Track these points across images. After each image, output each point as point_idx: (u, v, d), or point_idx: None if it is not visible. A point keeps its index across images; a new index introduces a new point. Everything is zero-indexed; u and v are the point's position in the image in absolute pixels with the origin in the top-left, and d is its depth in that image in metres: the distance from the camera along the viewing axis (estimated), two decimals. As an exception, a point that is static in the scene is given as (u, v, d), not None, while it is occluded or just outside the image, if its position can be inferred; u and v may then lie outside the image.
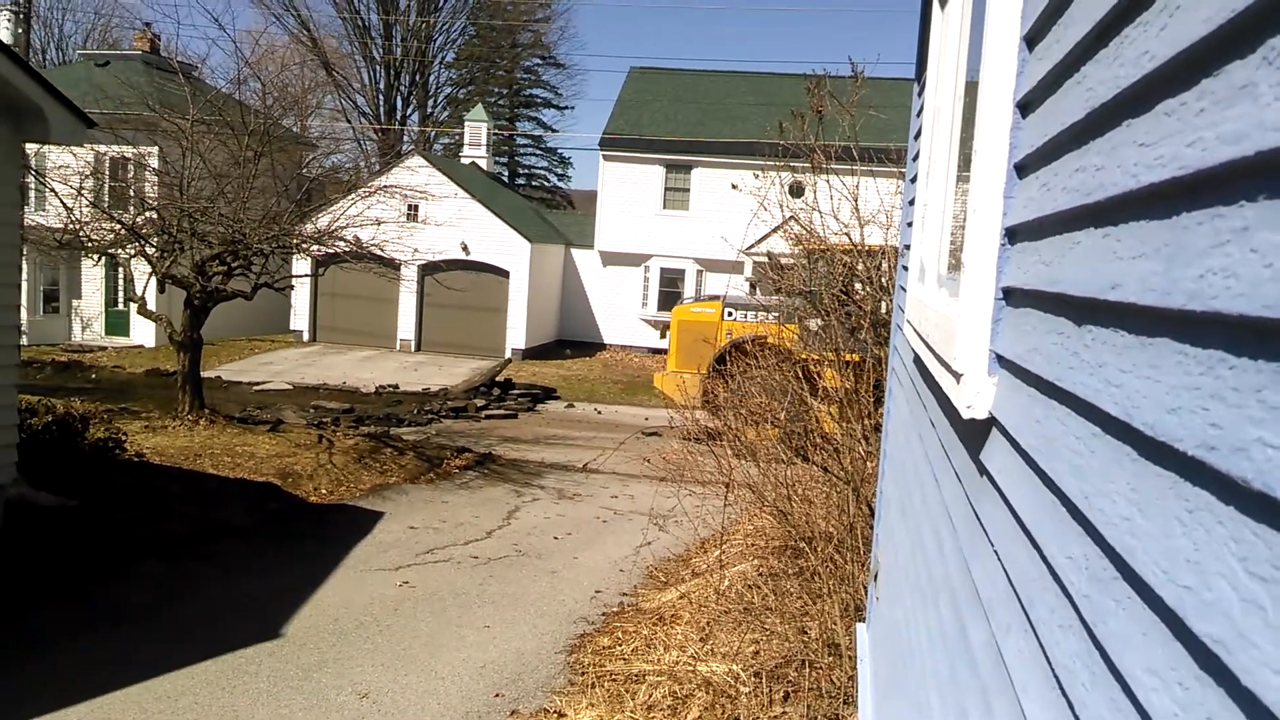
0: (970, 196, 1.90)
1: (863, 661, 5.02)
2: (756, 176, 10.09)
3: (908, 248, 4.01)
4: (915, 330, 3.06)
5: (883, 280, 8.76)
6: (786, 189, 10.03)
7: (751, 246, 20.59)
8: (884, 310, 8.41)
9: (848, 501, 7.37)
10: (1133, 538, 0.95)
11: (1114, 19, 1.13)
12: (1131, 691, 0.92)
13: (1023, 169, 1.68)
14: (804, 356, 8.59)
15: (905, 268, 4.11)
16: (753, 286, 17.60)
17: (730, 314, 19.08)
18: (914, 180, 3.91)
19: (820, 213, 8.59)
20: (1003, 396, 1.73)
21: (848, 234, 8.61)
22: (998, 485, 1.69)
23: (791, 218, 9.63)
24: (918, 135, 3.88)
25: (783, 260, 10.92)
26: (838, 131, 8.58)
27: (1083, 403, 1.16)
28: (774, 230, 10.35)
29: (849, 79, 8.93)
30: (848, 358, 8.53)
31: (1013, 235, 1.72)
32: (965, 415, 1.85)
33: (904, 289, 4.12)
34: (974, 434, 1.96)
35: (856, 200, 8.47)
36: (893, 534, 4.08)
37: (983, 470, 1.85)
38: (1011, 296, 1.72)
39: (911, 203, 3.96)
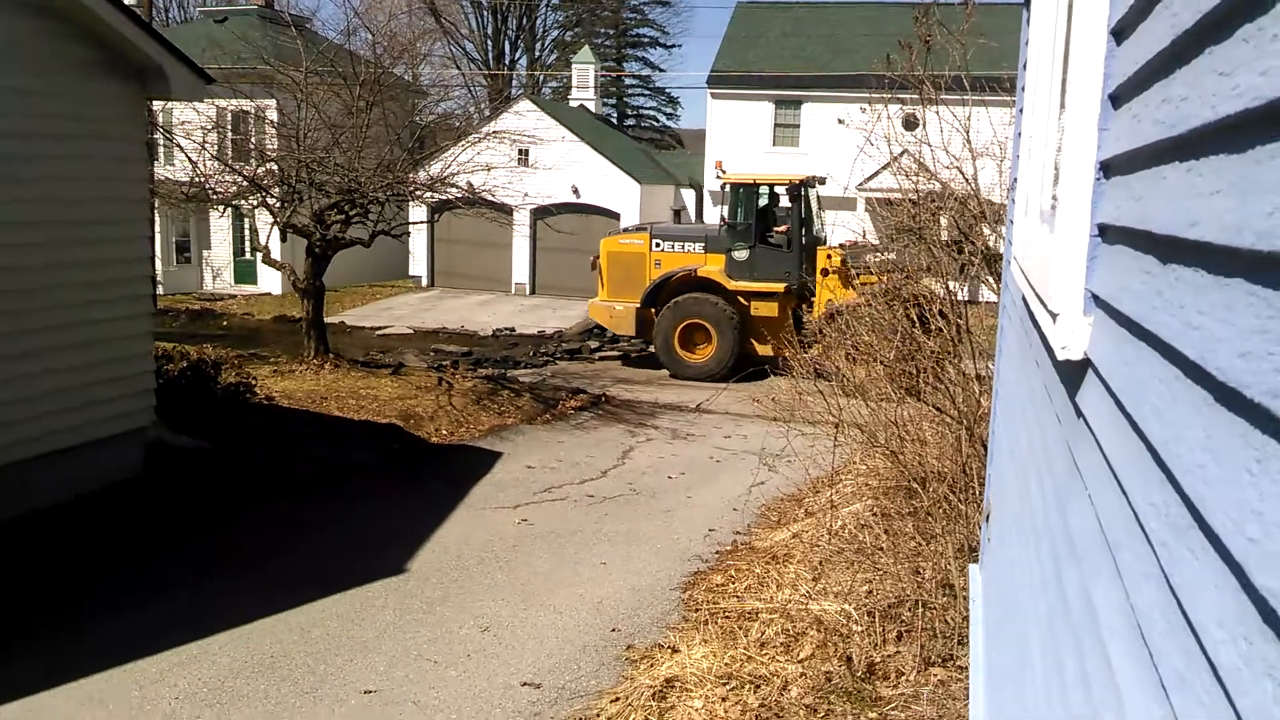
0: (1066, 128, 1.83)
1: (975, 602, 4.96)
2: (864, 110, 9.84)
3: (1017, 181, 3.88)
4: (1020, 267, 2.97)
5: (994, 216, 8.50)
6: (900, 123, 9.77)
7: (863, 183, 20.34)
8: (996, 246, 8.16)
9: (961, 441, 7.24)
10: (1205, 486, 0.92)
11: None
12: (1202, 643, 0.90)
13: (1117, 99, 1.61)
14: (914, 294, 8.40)
15: (1014, 201, 3.98)
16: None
17: (658, 245, 19.19)
18: (1022, 111, 3.77)
19: (930, 146, 8.34)
20: (1097, 337, 1.67)
21: (959, 168, 8.35)
22: (1091, 428, 1.65)
23: (903, 152, 9.40)
24: (1025, 66, 3.73)
25: (891, 197, 10.68)
26: (948, 61, 8.29)
27: (1165, 345, 1.12)
28: (885, 166, 10.11)
29: (959, 5, 8.60)
30: (957, 294, 8.31)
31: (1107, 169, 1.65)
32: (1060, 356, 1.80)
33: (1013, 222, 4.00)
34: (1071, 375, 1.91)
35: (968, 132, 8.19)
36: (1003, 475, 4.01)
37: (1079, 413, 1.80)
38: (1106, 233, 1.66)
39: (1020, 135, 3.82)
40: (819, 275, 17.74)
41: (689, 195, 34.38)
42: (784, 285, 18.25)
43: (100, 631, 6.94)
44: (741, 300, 18.61)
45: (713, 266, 18.75)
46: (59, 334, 8.84)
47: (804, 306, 18.09)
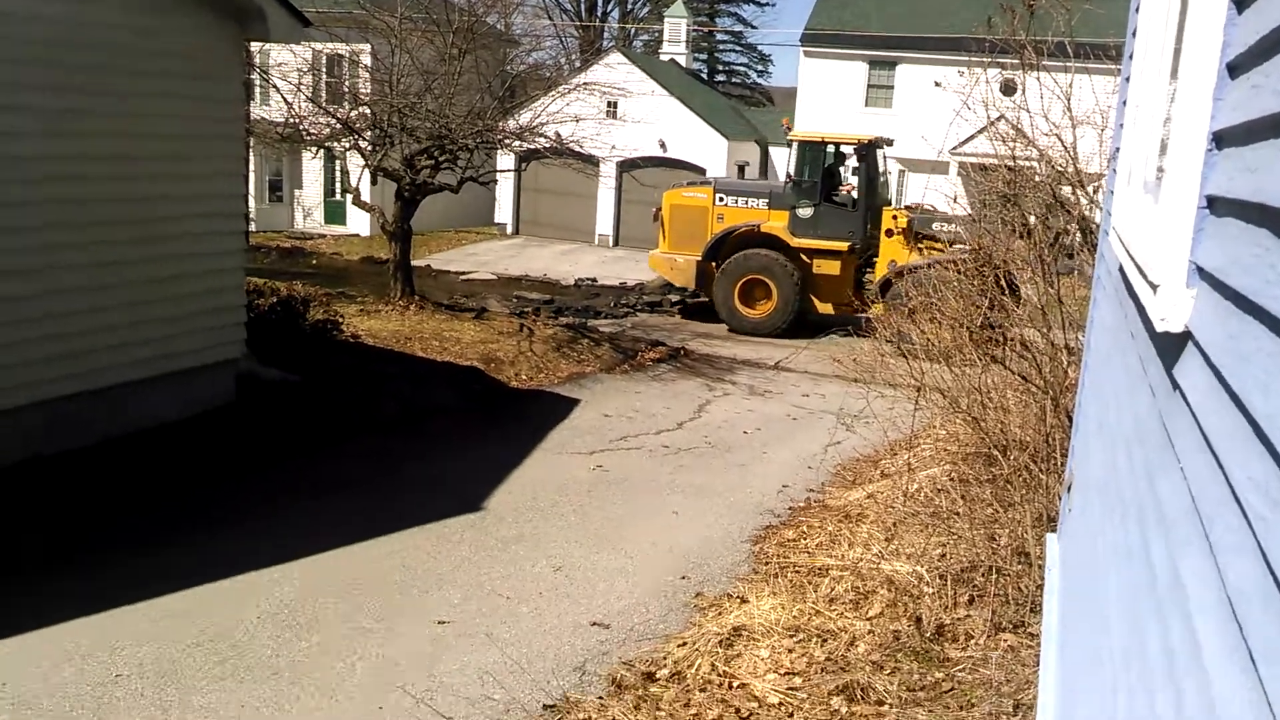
0: (1178, 97, 1.80)
1: (1051, 571, 4.93)
2: (961, 74, 9.63)
3: (1119, 151, 3.79)
4: (1119, 238, 2.93)
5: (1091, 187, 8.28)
6: (997, 87, 9.55)
7: (957, 147, 19.97)
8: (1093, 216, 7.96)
9: (1046, 410, 7.15)
10: (1309, 461, 0.93)
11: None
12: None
13: (1235, 69, 1.58)
14: (1004, 262, 8.25)
15: (1115, 171, 3.90)
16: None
17: (721, 199, 18.98)
18: (1129, 80, 3.68)
19: (1029, 113, 8.13)
20: (1200, 310, 1.66)
21: (1058, 135, 8.13)
22: (1188, 401, 1.64)
23: (1000, 117, 9.19)
24: (1135, 33, 3.63)
25: (986, 162, 10.47)
26: (1051, 26, 8.05)
27: (1275, 319, 1.12)
28: (980, 131, 9.89)
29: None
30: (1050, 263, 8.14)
31: (1220, 140, 1.63)
32: (1159, 328, 1.79)
33: (1112, 193, 3.92)
34: (1169, 347, 1.90)
35: (1069, 100, 7.96)
36: (1089, 446, 3.97)
37: (1175, 385, 1.79)
38: (1215, 205, 1.64)
39: (1125, 104, 3.73)
40: (883, 235, 17.67)
41: (757, 151, 33.99)
42: (847, 244, 18.16)
43: (188, 548, 7.25)
44: (804, 258, 18.52)
45: (776, 223, 18.64)
46: (157, 265, 9.15)
47: (867, 267, 18.12)
